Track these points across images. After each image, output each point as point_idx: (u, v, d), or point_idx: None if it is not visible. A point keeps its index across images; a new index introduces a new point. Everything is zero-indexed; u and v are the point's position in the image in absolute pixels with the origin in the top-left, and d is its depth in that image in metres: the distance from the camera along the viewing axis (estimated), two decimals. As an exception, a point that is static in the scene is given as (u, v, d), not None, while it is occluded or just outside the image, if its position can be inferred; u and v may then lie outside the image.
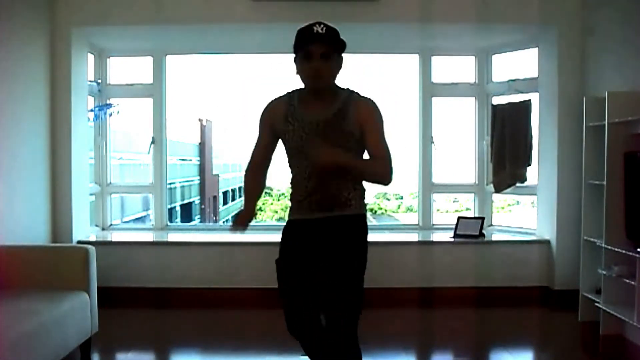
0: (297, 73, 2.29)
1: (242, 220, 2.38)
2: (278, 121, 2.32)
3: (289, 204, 2.43)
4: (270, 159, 2.49)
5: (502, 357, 3.57)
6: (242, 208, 2.45)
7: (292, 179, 2.37)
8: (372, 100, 2.32)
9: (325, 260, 2.27)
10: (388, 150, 2.28)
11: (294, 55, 2.28)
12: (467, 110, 5.27)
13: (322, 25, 2.20)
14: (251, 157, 2.48)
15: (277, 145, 2.44)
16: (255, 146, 2.46)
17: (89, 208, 4.91)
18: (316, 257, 2.29)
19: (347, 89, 2.33)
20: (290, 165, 2.37)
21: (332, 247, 2.27)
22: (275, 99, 2.40)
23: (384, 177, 2.28)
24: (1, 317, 2.65)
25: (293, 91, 2.37)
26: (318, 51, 2.18)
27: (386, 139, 2.30)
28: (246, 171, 2.50)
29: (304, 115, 2.27)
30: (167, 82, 5.17)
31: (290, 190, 2.40)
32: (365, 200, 2.45)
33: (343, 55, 2.30)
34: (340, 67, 2.31)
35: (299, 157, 2.28)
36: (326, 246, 2.27)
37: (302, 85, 2.32)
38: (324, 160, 2.14)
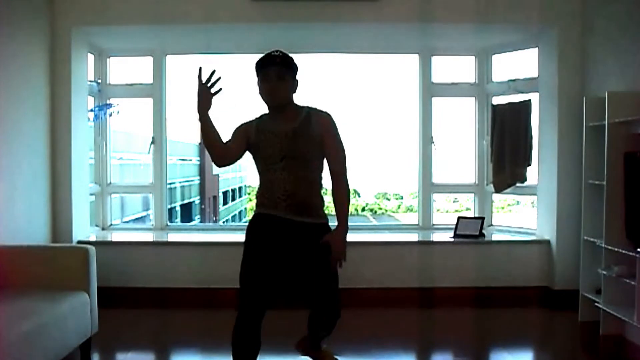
0: (259, 93, 2.59)
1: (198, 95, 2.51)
2: (252, 134, 2.59)
3: (257, 203, 2.65)
4: (229, 155, 2.63)
5: (502, 357, 3.57)
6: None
7: (265, 184, 2.60)
8: (329, 113, 2.66)
9: (304, 261, 2.59)
10: (344, 156, 2.66)
11: (256, 79, 2.59)
12: (467, 110, 5.27)
13: (278, 52, 2.58)
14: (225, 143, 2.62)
15: (240, 155, 2.66)
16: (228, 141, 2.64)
17: (89, 208, 4.91)
18: (288, 255, 2.57)
19: (306, 106, 2.66)
20: (262, 172, 2.61)
21: (309, 250, 2.57)
22: (247, 122, 2.66)
23: (348, 191, 2.66)
24: (1, 317, 2.65)
25: (260, 115, 2.67)
26: (274, 73, 2.53)
27: (342, 142, 2.66)
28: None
29: (274, 127, 2.57)
30: (167, 82, 5.17)
31: (260, 193, 2.63)
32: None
33: (297, 78, 2.64)
34: (295, 88, 2.64)
35: (275, 163, 2.54)
36: (301, 248, 2.57)
37: (266, 108, 2.63)
38: (342, 248, 2.56)
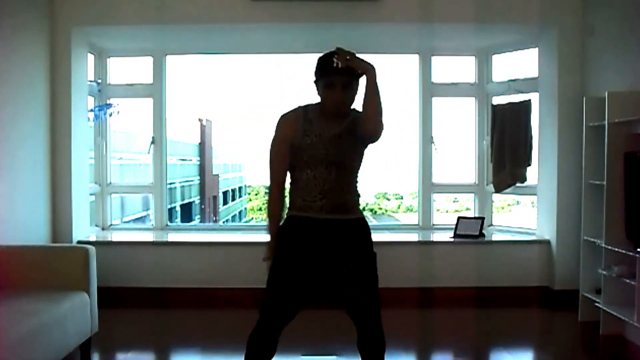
0: (320, 96, 2.41)
1: (266, 251, 2.42)
2: (296, 136, 2.40)
3: (290, 204, 2.45)
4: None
5: (502, 357, 3.57)
6: (270, 243, 2.43)
7: (300, 183, 2.41)
8: None
9: (345, 262, 2.33)
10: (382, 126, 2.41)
11: (314, 79, 2.40)
12: (467, 110, 5.27)
13: (341, 56, 2.30)
14: (275, 177, 2.45)
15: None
16: (274, 165, 2.45)
17: (89, 208, 4.91)
18: (324, 258, 2.33)
19: (354, 108, 2.45)
20: (299, 171, 2.42)
21: (349, 248, 2.35)
22: (291, 112, 2.46)
23: (380, 121, 2.37)
24: (1, 317, 2.65)
25: (307, 106, 2.46)
26: (339, 83, 2.31)
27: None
28: (270, 195, 2.47)
29: (321, 130, 2.39)
30: (167, 82, 5.17)
31: (293, 193, 2.44)
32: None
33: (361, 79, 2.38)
34: (357, 91, 2.40)
35: (316, 165, 2.37)
36: (338, 247, 2.34)
37: (317, 102, 2.43)
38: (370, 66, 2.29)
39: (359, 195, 2.50)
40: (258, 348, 2.40)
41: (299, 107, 2.47)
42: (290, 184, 2.48)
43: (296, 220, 2.39)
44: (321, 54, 2.40)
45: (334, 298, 2.37)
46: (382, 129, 2.36)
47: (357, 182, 2.49)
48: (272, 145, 2.46)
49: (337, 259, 2.32)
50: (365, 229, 2.42)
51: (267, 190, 2.52)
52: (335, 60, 2.32)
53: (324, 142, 2.38)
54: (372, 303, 2.34)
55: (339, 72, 2.31)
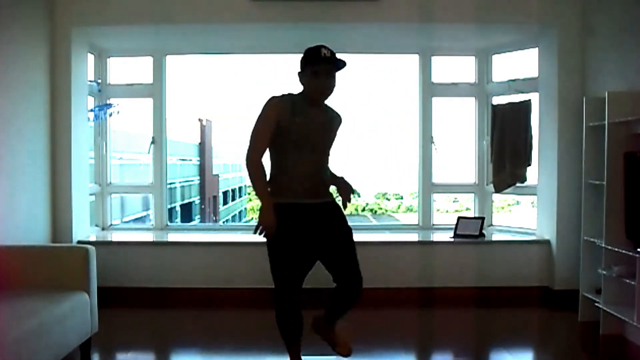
0: (302, 84, 2.76)
1: (266, 222, 2.65)
2: (283, 117, 2.68)
3: (274, 189, 2.74)
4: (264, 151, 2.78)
5: (502, 357, 3.57)
6: (263, 206, 2.67)
7: (284, 166, 2.73)
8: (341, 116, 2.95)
9: (329, 232, 2.77)
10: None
11: (299, 70, 2.75)
12: (467, 110, 5.27)
13: (326, 48, 2.70)
14: (257, 147, 2.71)
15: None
16: (259, 135, 2.71)
17: (89, 208, 4.91)
18: (313, 234, 2.73)
19: (327, 105, 2.88)
20: (283, 153, 2.72)
21: (330, 223, 2.79)
22: (278, 97, 2.74)
23: None
24: (1, 317, 2.65)
25: (290, 94, 2.77)
26: (325, 71, 2.69)
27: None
28: (253, 161, 2.71)
29: (309, 115, 2.71)
30: (167, 82, 5.18)
31: (277, 178, 2.75)
32: None
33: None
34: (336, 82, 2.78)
35: (303, 146, 2.70)
36: (323, 225, 2.76)
37: (301, 92, 2.78)
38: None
39: (328, 181, 2.90)
40: (293, 321, 2.81)
41: (283, 94, 2.76)
42: (274, 166, 2.77)
43: (284, 207, 2.69)
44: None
45: (322, 255, 2.80)
46: None
47: (328, 169, 2.90)
48: (259, 119, 2.71)
49: (321, 229, 2.75)
50: (337, 207, 2.88)
51: (247, 160, 2.71)
52: (323, 50, 2.66)
53: (314, 127, 2.71)
54: (351, 249, 2.81)
55: (326, 61, 2.65)
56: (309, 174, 2.73)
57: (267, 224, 2.65)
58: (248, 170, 2.72)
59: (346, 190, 2.87)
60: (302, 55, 2.79)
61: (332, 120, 2.84)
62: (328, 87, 2.72)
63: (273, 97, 2.74)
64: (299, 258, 2.75)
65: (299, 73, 2.77)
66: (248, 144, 2.75)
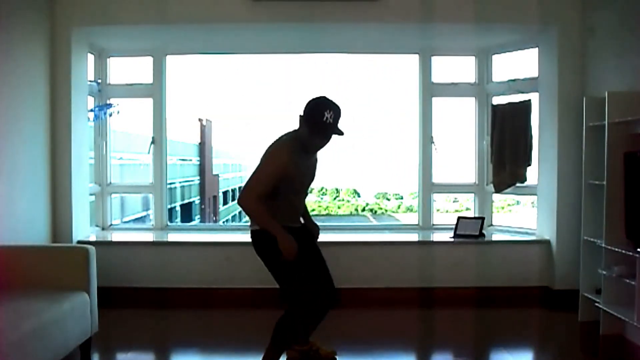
0: (301, 130, 2.89)
1: (291, 247, 2.79)
2: (291, 166, 2.83)
3: (281, 217, 2.89)
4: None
5: (502, 357, 3.57)
6: (278, 235, 2.78)
7: (288, 206, 2.96)
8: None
9: (313, 247, 3.13)
10: None
11: (307, 119, 2.85)
12: (467, 110, 5.27)
13: (331, 112, 2.81)
14: (259, 190, 2.81)
15: None
16: (267, 179, 2.82)
17: (89, 208, 4.91)
18: (307, 247, 3.03)
19: None
20: (286, 194, 2.90)
21: (311, 239, 3.17)
22: (289, 143, 2.88)
23: None
24: (1, 317, 2.65)
25: (294, 141, 2.90)
26: (325, 135, 2.87)
27: None
28: (255, 203, 2.81)
29: (305, 162, 2.96)
30: (167, 82, 5.17)
31: (282, 212, 2.90)
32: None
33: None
34: None
35: (301, 190, 3.04)
36: (308, 239, 3.11)
37: (299, 134, 2.91)
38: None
39: None
40: (327, 304, 2.97)
41: (290, 139, 2.92)
42: (274, 204, 2.84)
43: (291, 230, 2.90)
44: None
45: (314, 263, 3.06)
46: None
47: None
48: (268, 164, 2.84)
49: (308, 244, 3.08)
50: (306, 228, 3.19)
51: (247, 201, 2.82)
52: (326, 115, 2.79)
53: (308, 172, 3.01)
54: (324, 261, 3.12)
55: (327, 127, 2.80)
56: (299, 208, 3.08)
57: (289, 245, 2.79)
58: (248, 210, 2.84)
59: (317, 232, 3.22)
60: (308, 103, 2.88)
61: (316, 162, 3.10)
62: (323, 145, 2.93)
63: (285, 146, 2.87)
64: (308, 264, 2.98)
65: (300, 117, 2.89)
66: (250, 183, 2.84)
